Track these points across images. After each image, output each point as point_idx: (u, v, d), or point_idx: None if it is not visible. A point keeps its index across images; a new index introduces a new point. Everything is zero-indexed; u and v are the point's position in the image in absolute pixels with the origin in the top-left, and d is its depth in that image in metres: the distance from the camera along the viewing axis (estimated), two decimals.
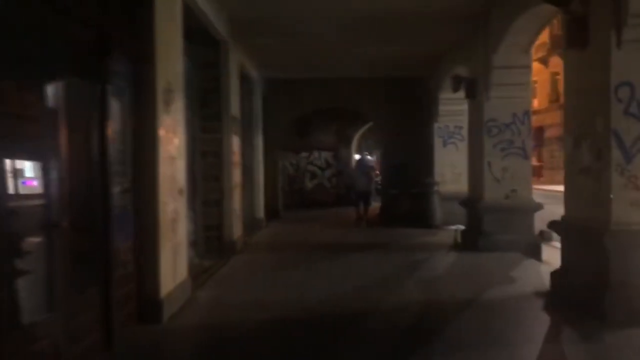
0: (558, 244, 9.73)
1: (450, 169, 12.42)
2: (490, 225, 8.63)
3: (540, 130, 35.29)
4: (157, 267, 5.04)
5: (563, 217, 5.79)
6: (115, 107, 4.61)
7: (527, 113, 8.68)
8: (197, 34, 8.42)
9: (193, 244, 8.72)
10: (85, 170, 4.15)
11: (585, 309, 5.01)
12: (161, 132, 5.14)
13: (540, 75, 34.77)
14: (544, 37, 26.28)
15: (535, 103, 36.29)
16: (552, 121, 31.40)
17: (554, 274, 5.92)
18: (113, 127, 4.52)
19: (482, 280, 6.71)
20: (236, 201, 9.39)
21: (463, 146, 12.51)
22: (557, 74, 32.32)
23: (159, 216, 5.04)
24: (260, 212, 12.89)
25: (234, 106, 9.35)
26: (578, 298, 5.20)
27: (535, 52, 32.47)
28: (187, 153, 8.48)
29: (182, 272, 5.82)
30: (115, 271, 4.49)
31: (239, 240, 9.47)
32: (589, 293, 5.01)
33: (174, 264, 5.47)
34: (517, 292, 6.11)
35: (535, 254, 8.40)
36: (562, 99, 28.96)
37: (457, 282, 6.86)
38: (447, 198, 12.12)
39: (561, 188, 6.06)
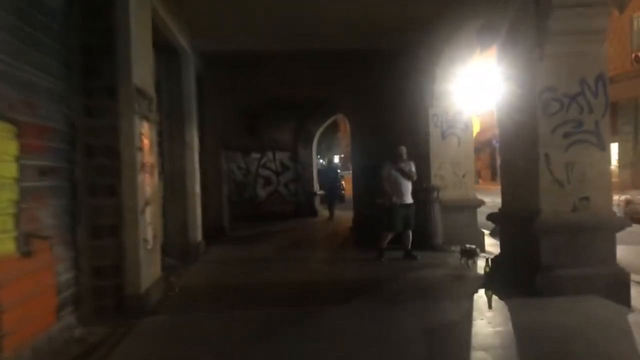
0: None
1: (452, 168, 9.28)
2: (552, 255, 5.50)
3: None
4: None
5: None
6: None
7: (603, 78, 5.62)
8: None
9: (73, 302, 5.23)
10: None
11: None
12: None
13: None
14: None
15: None
16: None
17: None
18: None
19: None
20: (149, 226, 5.89)
21: (466, 139, 9.49)
22: None
23: None
24: (197, 234, 9.38)
25: (142, 75, 5.86)
26: None
27: None
28: (57, 150, 5.01)
29: None
30: None
31: (155, 289, 5.94)
32: None
33: None
34: None
35: (622, 297, 5.36)
36: None
37: None
38: (448, 208, 9.03)
39: None
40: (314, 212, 15.13)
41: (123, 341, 4.77)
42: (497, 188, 7.26)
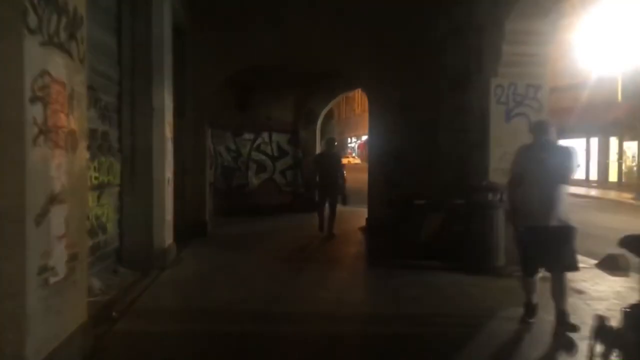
0: None
1: None
2: None
3: None
4: None
5: None
6: None
7: None
8: None
9: None
10: None
11: None
12: None
13: None
14: None
15: None
16: None
17: None
18: None
19: None
20: (60, 240, 3.31)
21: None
22: None
23: None
24: (164, 236, 6.82)
25: None
26: None
27: None
28: None
29: None
30: None
31: (65, 352, 3.37)
32: None
33: None
34: None
35: None
36: None
37: None
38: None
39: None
40: (314, 206, 12.61)
41: None
42: None
